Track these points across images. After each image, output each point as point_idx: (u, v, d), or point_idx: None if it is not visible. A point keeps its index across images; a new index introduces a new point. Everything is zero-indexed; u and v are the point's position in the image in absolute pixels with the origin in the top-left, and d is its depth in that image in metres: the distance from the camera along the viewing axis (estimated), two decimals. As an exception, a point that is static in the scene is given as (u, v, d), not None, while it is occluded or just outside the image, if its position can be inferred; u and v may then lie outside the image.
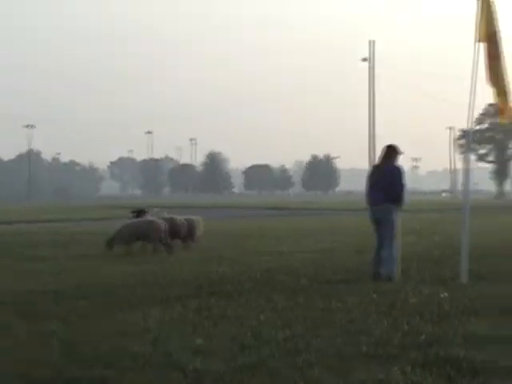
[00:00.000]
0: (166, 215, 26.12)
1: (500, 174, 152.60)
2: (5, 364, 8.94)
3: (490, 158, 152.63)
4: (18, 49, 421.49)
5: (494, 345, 9.46)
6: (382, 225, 16.45)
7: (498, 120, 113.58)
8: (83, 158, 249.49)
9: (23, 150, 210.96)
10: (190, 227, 25.50)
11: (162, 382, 7.98)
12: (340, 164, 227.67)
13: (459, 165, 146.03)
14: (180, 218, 25.85)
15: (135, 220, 25.37)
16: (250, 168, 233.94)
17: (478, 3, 15.87)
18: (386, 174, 16.54)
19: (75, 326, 11.33)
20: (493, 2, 15.99)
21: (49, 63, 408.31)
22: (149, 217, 25.45)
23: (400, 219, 16.69)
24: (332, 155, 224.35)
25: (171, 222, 24.77)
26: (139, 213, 26.32)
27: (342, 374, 8.13)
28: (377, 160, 17.38)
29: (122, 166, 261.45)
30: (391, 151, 16.75)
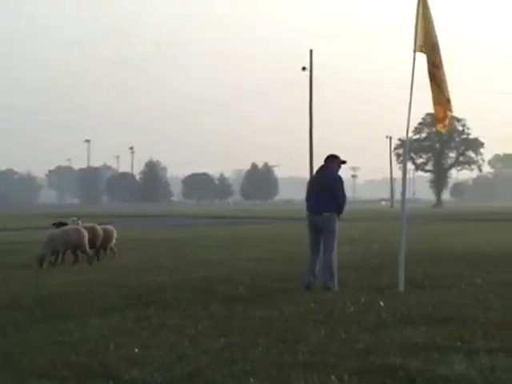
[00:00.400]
0: (86, 224, 25.81)
1: (438, 183, 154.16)
2: None
3: (428, 167, 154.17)
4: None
5: (429, 353, 9.54)
6: (324, 234, 16.49)
7: (435, 129, 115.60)
8: (21, 167, 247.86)
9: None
10: (106, 236, 25.23)
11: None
12: (279, 172, 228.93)
13: (398, 174, 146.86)
14: (99, 227, 25.55)
15: (62, 229, 24.80)
16: (189, 176, 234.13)
17: (416, 14, 16.03)
18: (327, 183, 16.61)
19: (10, 338, 11.22)
20: (430, 13, 16.17)
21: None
22: (72, 226, 25.29)
23: (338, 228, 16.78)
24: (271, 164, 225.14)
25: (92, 231, 24.55)
26: (59, 226, 25.58)
27: (278, 383, 8.14)
28: (317, 169, 17.41)
29: (60, 174, 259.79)
30: (333, 160, 16.85)
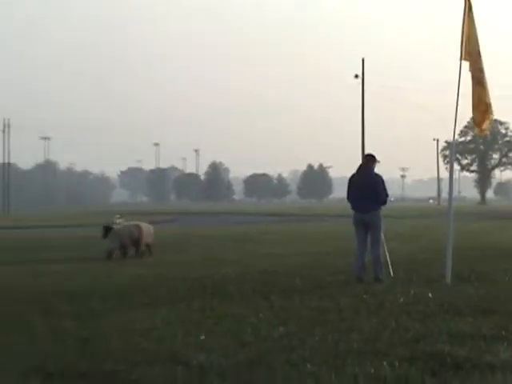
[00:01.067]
0: (132, 223, 25.52)
1: (482, 183, 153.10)
2: (23, 358, 8.94)
3: (473, 168, 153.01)
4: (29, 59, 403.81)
5: (475, 342, 9.46)
6: (371, 229, 16.44)
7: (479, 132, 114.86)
8: (95, 168, 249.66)
9: (40, 160, 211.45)
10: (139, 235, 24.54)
11: (168, 377, 7.96)
12: (333, 173, 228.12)
13: (444, 174, 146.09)
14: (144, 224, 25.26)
15: (125, 225, 24.92)
16: (249, 177, 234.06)
17: (462, 25, 15.93)
18: (370, 182, 16.56)
19: (88, 324, 11.33)
20: (474, 22, 16.07)
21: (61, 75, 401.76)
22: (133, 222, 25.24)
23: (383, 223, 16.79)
24: (326, 165, 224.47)
25: (138, 229, 24.42)
26: (109, 229, 24.45)
27: (335, 369, 8.12)
28: (358, 167, 17.30)
29: (131, 175, 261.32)
30: (372, 160, 16.83)
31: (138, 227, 24.09)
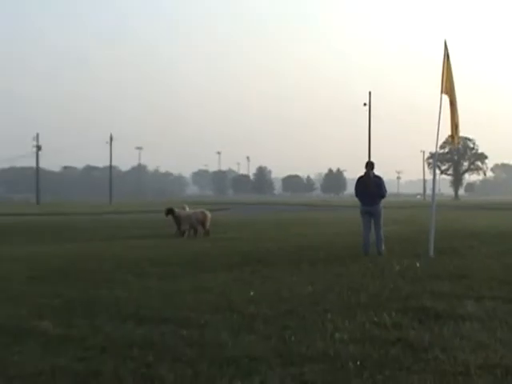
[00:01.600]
0: (196, 210, 25.17)
1: (455, 183, 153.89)
2: (121, 307, 9.05)
3: (449, 172, 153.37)
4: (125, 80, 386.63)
5: (451, 299, 9.41)
6: (375, 217, 16.39)
7: (455, 145, 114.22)
8: (174, 170, 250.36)
9: (135, 163, 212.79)
10: (204, 219, 24.22)
11: (227, 322, 8.01)
12: (347, 174, 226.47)
13: (429, 176, 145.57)
14: (207, 211, 24.85)
15: (193, 211, 24.59)
16: (286, 177, 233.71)
17: (442, 65, 15.92)
18: (374, 181, 16.54)
19: (169, 283, 11.42)
20: (451, 65, 16.02)
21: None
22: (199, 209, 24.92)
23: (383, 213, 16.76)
24: (342, 169, 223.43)
25: (203, 214, 24.18)
26: (170, 211, 24.20)
27: (348, 317, 8.12)
28: (364, 172, 17.21)
29: (200, 175, 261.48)
30: (372, 164, 16.84)
31: (203, 213, 24.17)
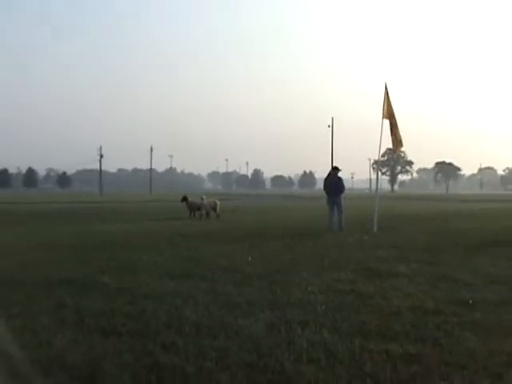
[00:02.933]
0: (210, 199, 24.32)
1: (392, 181, 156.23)
2: (158, 267, 9.03)
3: (388, 173, 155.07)
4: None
5: (389, 262, 9.44)
6: (337, 205, 16.41)
7: (393, 154, 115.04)
8: (195, 171, 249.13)
9: (168, 167, 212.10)
10: (216, 205, 23.63)
11: (233, 278, 8.00)
12: (316, 174, 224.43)
13: (373, 176, 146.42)
14: (217, 200, 24.17)
15: (208, 200, 23.82)
16: (274, 177, 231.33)
17: (383, 99, 16.05)
18: (336, 181, 16.58)
19: (193, 251, 11.38)
20: (389, 97, 16.18)
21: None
22: (206, 200, 23.80)
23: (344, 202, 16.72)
24: (313, 170, 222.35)
25: (214, 202, 23.62)
26: (184, 199, 23.58)
27: (317, 276, 8.13)
28: (328, 172, 17.23)
29: (214, 175, 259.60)
30: (336, 168, 16.84)
31: (215, 202, 23.96)
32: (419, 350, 4.64)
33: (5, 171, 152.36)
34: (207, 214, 23.28)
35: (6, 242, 13.50)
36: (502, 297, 6.60)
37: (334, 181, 16.58)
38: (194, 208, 23.48)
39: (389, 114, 16.08)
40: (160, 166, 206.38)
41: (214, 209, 23.52)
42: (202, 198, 24.14)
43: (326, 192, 16.77)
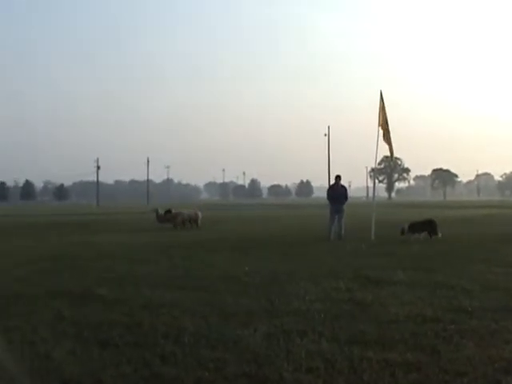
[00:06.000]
0: (190, 210, 24.25)
1: (389, 189, 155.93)
2: (155, 278, 9.01)
3: (385, 181, 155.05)
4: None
5: (385, 270, 9.42)
6: (339, 213, 16.45)
7: (389, 162, 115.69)
8: (192, 182, 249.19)
9: (164, 178, 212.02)
10: (196, 217, 23.08)
11: (229, 287, 7.98)
12: (313, 183, 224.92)
13: (370, 184, 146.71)
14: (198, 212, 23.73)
15: (188, 211, 23.79)
16: (271, 186, 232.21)
17: (379, 108, 16.16)
18: (340, 190, 16.78)
19: (185, 260, 11.36)
20: (384, 104, 16.22)
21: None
22: (185, 211, 23.86)
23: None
24: (310, 179, 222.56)
25: (195, 214, 23.23)
26: (167, 212, 23.72)
27: (315, 284, 8.13)
28: (332, 181, 17.39)
29: (210, 185, 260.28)
30: (339, 177, 16.88)
31: (196, 213, 23.20)
32: (418, 357, 4.63)
33: (2, 184, 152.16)
34: (183, 223, 22.85)
35: (5, 254, 13.45)
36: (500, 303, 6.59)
37: (340, 191, 16.75)
38: (162, 220, 23.37)
39: (383, 121, 16.18)
40: (157, 177, 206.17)
41: (195, 220, 23.07)
42: (170, 210, 23.76)
43: (332, 201, 16.81)
